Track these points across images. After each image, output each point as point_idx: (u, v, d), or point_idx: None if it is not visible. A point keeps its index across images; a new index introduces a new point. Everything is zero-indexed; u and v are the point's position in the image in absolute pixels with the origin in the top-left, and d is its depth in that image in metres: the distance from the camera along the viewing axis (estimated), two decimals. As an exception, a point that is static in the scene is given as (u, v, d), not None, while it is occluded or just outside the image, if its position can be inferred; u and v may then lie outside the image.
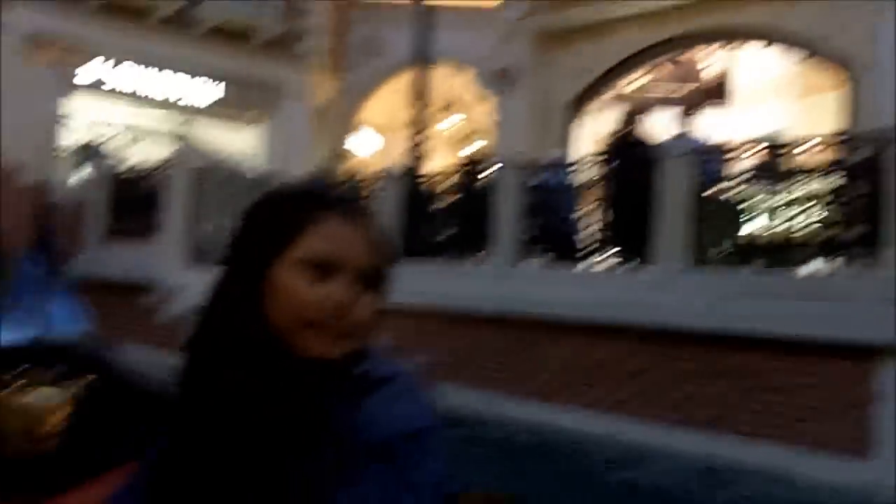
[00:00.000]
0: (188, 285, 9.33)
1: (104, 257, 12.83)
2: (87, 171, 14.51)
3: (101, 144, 14.67)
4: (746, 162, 6.74)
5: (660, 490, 5.43)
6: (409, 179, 9.68)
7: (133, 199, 12.90)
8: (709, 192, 6.79)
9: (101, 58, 13.42)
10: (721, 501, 5.25)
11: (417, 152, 10.55)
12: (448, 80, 12.85)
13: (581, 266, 7.64)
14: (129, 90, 13.98)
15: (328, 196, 1.33)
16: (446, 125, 15.02)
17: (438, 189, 9.51)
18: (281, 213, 1.30)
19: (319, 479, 1.20)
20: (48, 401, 1.34)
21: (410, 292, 8.66)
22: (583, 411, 6.99)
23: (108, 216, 13.28)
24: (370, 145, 15.68)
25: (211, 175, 11.45)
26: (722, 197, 6.83)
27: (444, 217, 9.49)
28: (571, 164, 8.29)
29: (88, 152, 14.99)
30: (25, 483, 1.32)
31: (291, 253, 1.26)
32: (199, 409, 1.26)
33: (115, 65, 13.64)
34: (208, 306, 1.29)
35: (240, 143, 14.60)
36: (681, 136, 7.78)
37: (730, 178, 6.78)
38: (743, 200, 6.72)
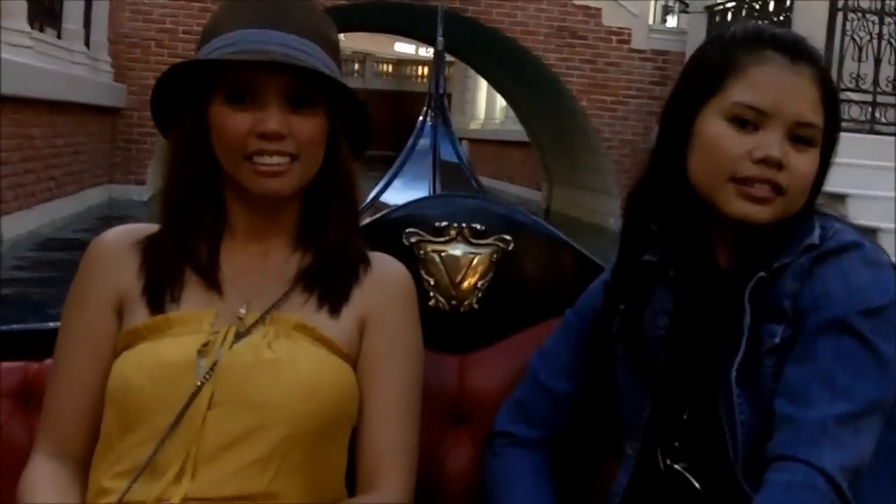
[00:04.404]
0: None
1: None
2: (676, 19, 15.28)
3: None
4: None
5: None
6: None
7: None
8: None
9: None
10: None
11: None
12: None
13: None
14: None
15: (766, 38, 1.47)
16: None
17: None
18: (711, 56, 1.50)
19: (768, 354, 1.42)
20: (474, 256, 1.70)
21: None
22: None
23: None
24: None
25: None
26: None
27: None
28: None
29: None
30: (447, 337, 1.72)
31: (719, 100, 1.46)
32: (631, 272, 1.55)
33: None
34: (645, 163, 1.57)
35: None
36: None
37: None
38: None
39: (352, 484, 1.53)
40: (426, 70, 33.25)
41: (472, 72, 24.93)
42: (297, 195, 1.53)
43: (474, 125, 29.67)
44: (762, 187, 1.41)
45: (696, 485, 1.49)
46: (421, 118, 7.95)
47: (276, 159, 1.46)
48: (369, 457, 1.51)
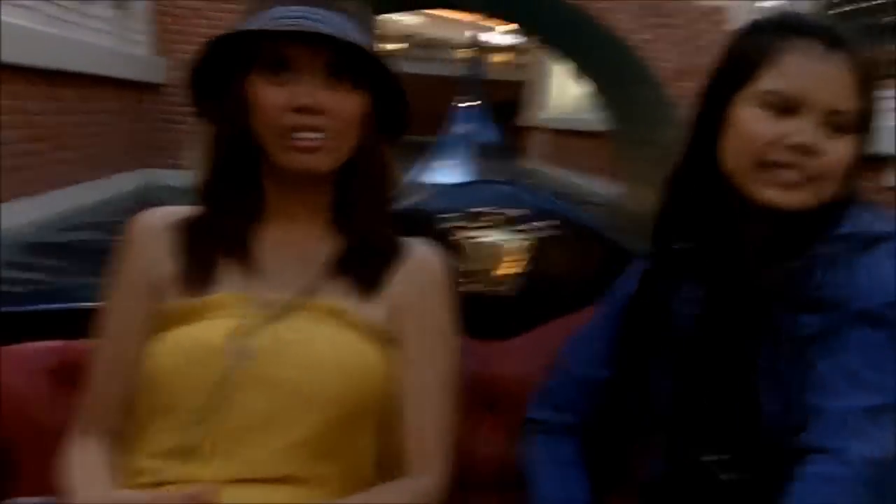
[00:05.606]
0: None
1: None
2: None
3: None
4: None
5: None
6: None
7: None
8: None
9: None
10: None
11: None
12: None
13: None
14: None
15: (799, 25, 1.60)
16: None
17: None
18: (744, 44, 1.64)
19: (796, 345, 1.53)
20: (508, 243, 1.85)
21: None
22: None
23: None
24: None
25: None
26: None
27: None
28: None
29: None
30: (483, 324, 1.86)
31: (752, 87, 1.59)
32: (662, 260, 1.71)
33: None
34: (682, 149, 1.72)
35: None
36: None
37: None
38: None
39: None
40: (503, 58, 33.78)
41: (544, 58, 24.90)
42: (329, 177, 1.67)
43: (545, 114, 29.64)
44: (791, 173, 1.55)
45: (723, 476, 1.63)
46: (459, 103, 8.48)
47: (311, 135, 1.58)
48: (405, 443, 1.66)
